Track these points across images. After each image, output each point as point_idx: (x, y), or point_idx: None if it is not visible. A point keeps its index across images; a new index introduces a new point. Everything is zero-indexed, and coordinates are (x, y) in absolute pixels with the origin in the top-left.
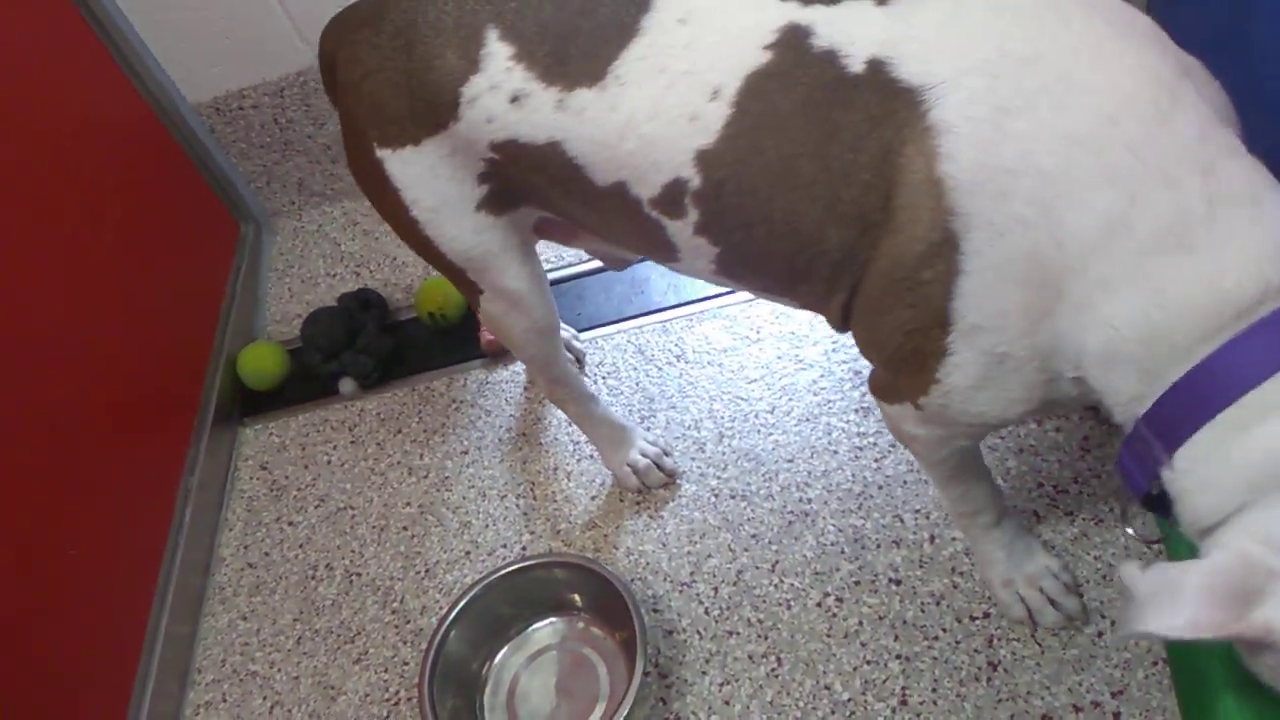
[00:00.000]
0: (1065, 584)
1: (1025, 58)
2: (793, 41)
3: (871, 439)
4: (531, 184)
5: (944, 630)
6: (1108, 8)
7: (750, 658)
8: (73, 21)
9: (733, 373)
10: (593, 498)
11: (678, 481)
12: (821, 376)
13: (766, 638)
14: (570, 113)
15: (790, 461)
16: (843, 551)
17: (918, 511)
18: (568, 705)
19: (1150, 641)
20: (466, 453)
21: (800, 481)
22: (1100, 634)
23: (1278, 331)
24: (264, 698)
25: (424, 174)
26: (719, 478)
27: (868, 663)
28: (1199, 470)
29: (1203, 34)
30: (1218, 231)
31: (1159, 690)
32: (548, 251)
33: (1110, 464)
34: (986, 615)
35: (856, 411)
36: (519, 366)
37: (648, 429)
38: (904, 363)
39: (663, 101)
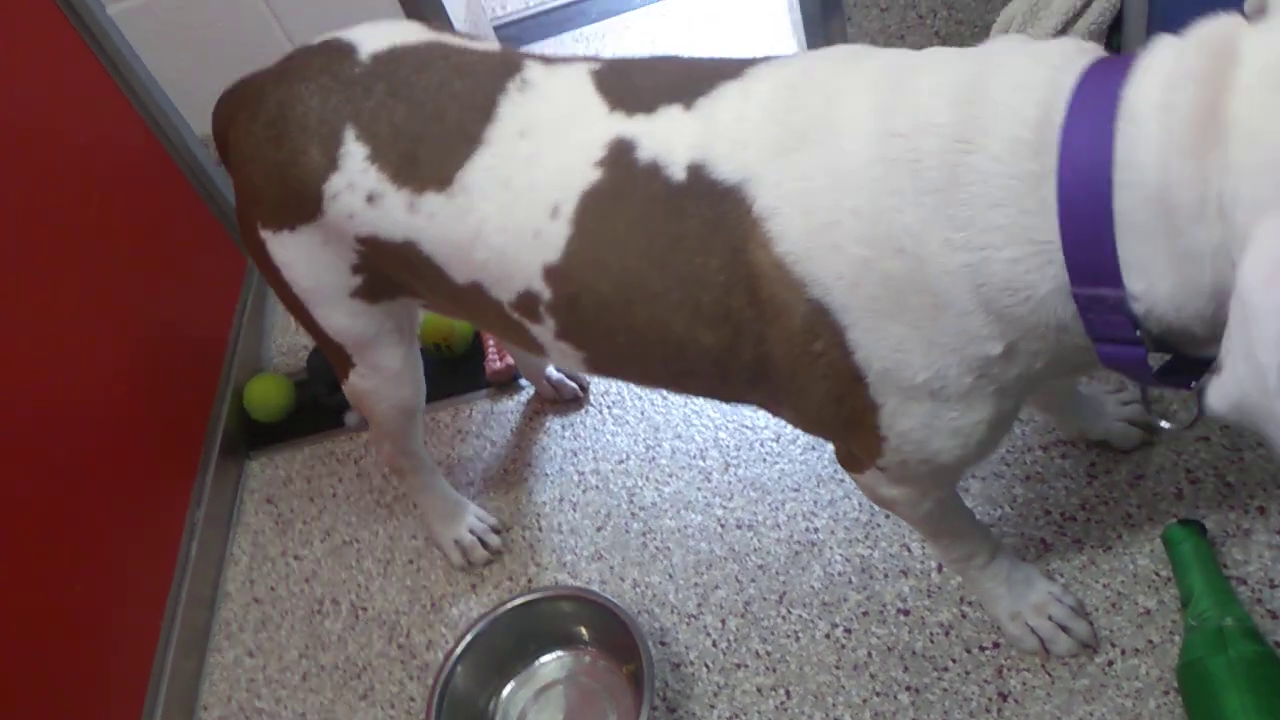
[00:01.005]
0: (1072, 608)
1: (804, 124)
2: (620, 157)
3: None
4: (400, 277)
5: (953, 661)
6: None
7: (759, 690)
8: (81, 55)
9: None
10: (598, 528)
11: (683, 511)
12: None
13: (775, 670)
14: (422, 215)
15: (796, 490)
16: (850, 581)
17: (925, 541)
18: None
19: None
20: (472, 484)
21: (806, 511)
22: (1110, 663)
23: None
24: None
25: (300, 258)
26: (725, 507)
27: (877, 694)
28: (1157, 265)
29: None
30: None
31: None
32: None
33: (1116, 491)
34: (996, 645)
35: None
36: (523, 396)
37: (653, 459)
38: (848, 430)
39: (508, 216)
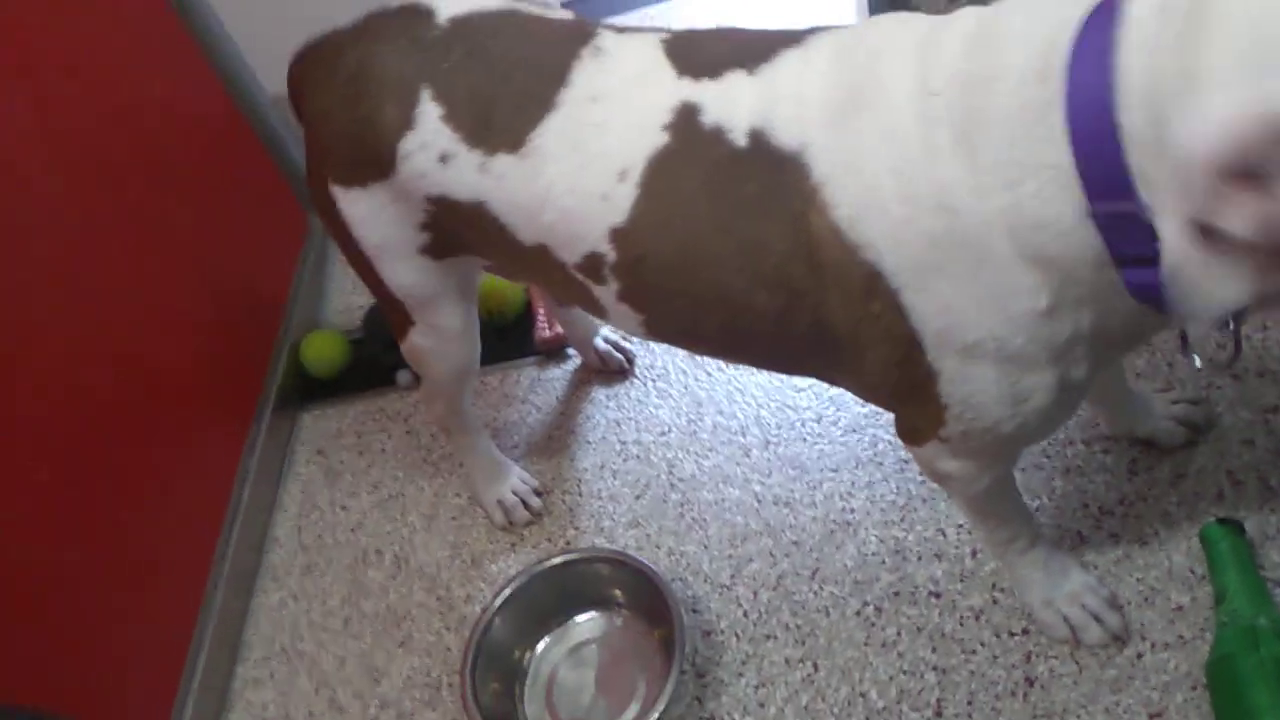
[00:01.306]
0: (1105, 599)
1: (856, 89)
2: (686, 121)
3: None
4: (467, 236)
5: (982, 644)
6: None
7: (787, 662)
8: (158, 12)
9: (781, 381)
10: (637, 497)
11: (721, 485)
12: None
13: (804, 643)
14: (492, 177)
15: (835, 471)
16: (883, 562)
17: (960, 526)
18: (605, 699)
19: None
20: (516, 447)
21: (844, 491)
22: (1140, 655)
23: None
24: (310, 676)
25: (370, 215)
26: (763, 483)
27: (904, 672)
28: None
29: None
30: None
31: (1198, 715)
32: None
33: (1156, 488)
34: (1025, 631)
35: None
36: (570, 365)
37: (694, 433)
38: (911, 398)
39: (578, 179)
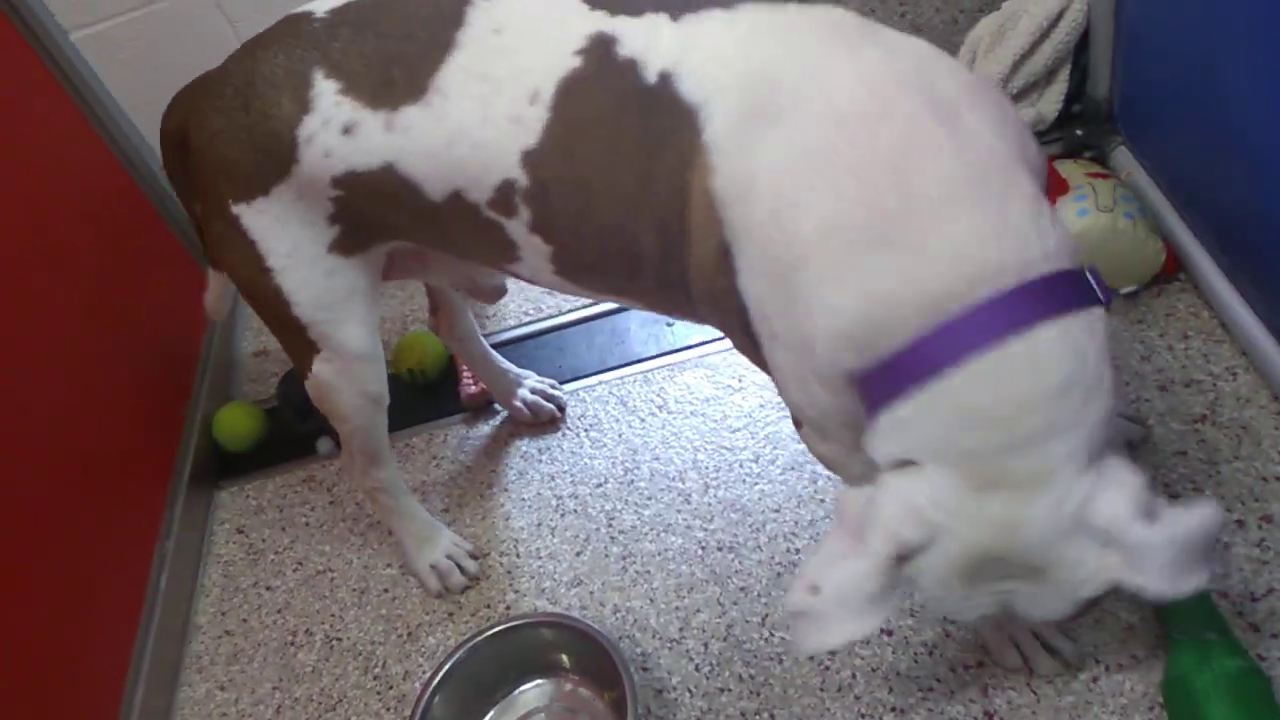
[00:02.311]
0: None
1: (766, 73)
2: (600, 49)
3: None
4: (376, 216)
5: (938, 680)
6: (860, 30)
7: (743, 715)
8: (44, 81)
9: (716, 422)
10: (578, 553)
11: (663, 534)
12: None
13: (759, 694)
14: (398, 132)
15: (777, 511)
16: None
17: None
18: None
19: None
20: (447, 510)
21: (788, 531)
22: (1095, 679)
23: (966, 324)
24: None
25: (276, 221)
26: (705, 529)
27: (862, 716)
28: (887, 427)
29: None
30: (916, 228)
31: None
32: (525, 305)
33: None
34: (980, 665)
35: None
36: (497, 420)
37: (631, 482)
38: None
39: (488, 106)
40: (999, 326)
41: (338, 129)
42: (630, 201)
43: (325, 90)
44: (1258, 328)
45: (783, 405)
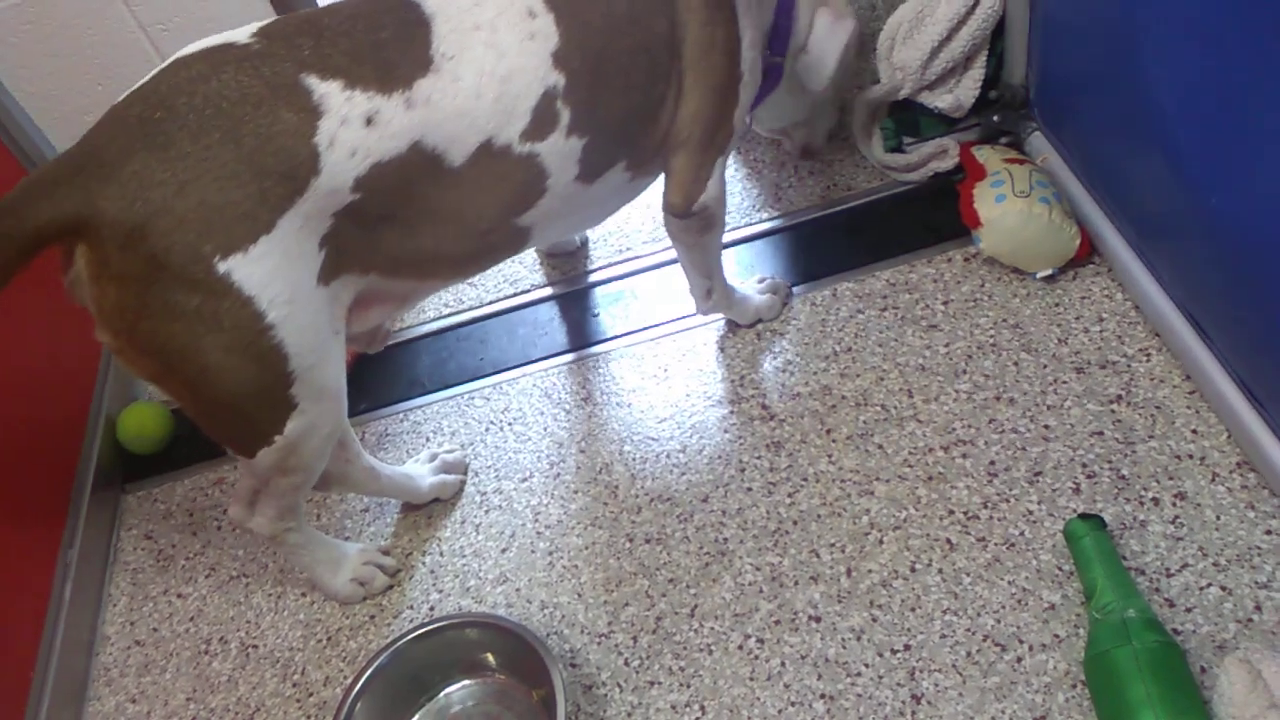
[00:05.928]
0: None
1: None
2: None
3: (784, 474)
4: (370, 224)
5: (866, 665)
6: None
7: (673, 708)
8: None
9: (642, 412)
10: (503, 550)
11: (590, 528)
12: (731, 413)
13: (689, 686)
14: (420, 106)
15: (704, 501)
16: (761, 591)
17: (833, 545)
18: None
19: None
20: (367, 510)
21: (715, 521)
22: (1019, 659)
23: None
24: None
25: (280, 263)
26: (633, 522)
27: (792, 704)
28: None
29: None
30: None
31: (1079, 713)
32: (445, 297)
33: (1016, 488)
34: (908, 648)
35: (768, 447)
36: (415, 418)
37: (557, 475)
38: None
39: (499, 44)
40: None
41: (359, 123)
42: (646, 50)
43: (330, 90)
44: (1170, 309)
45: (708, 394)
